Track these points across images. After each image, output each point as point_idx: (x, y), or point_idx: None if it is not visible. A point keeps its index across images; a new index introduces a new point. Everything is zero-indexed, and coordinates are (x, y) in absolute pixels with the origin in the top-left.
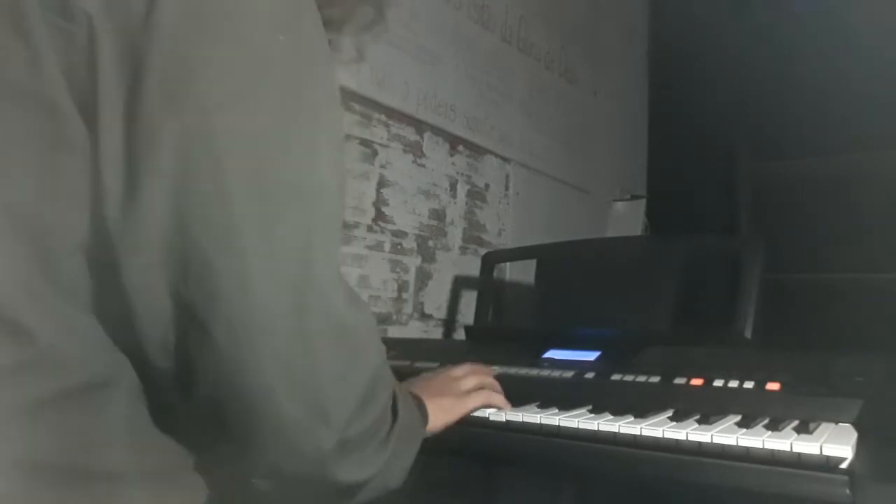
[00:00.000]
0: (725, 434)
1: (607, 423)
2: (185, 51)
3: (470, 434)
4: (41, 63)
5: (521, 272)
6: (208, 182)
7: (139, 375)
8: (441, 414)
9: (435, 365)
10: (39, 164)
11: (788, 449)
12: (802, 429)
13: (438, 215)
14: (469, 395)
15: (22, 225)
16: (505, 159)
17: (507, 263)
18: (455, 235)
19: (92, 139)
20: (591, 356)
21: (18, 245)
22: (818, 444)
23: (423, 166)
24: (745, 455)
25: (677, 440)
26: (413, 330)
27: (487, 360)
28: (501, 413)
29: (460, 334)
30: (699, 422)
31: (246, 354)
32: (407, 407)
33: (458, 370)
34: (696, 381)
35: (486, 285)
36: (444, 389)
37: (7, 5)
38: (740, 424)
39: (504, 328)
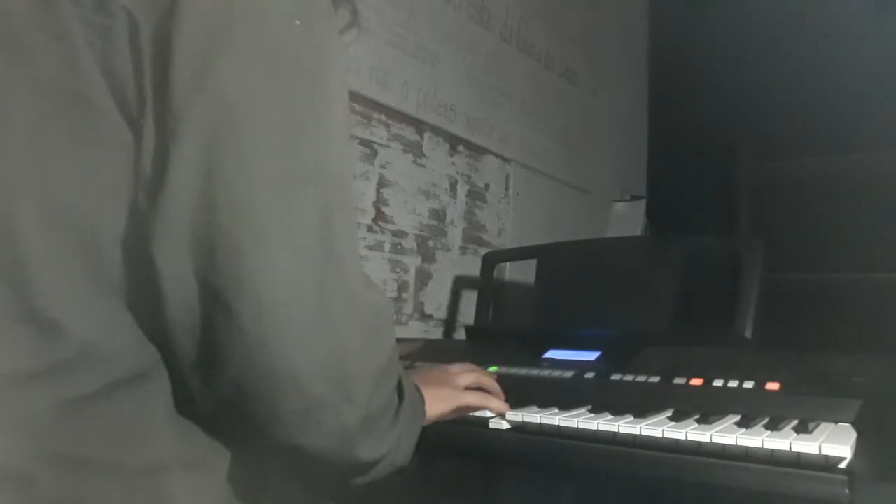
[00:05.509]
0: (725, 434)
1: (607, 423)
2: (210, 35)
3: (470, 434)
4: (78, 61)
5: (521, 272)
6: (232, 166)
7: (168, 365)
8: (438, 403)
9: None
10: (80, 160)
11: (788, 448)
12: (802, 428)
13: (438, 215)
14: (467, 391)
15: (65, 222)
16: (505, 159)
17: (507, 263)
18: (455, 235)
19: (136, 131)
20: (591, 356)
21: (61, 243)
22: (817, 444)
23: (423, 166)
24: (745, 455)
25: (677, 440)
26: (413, 330)
27: (487, 360)
28: (501, 422)
29: (460, 334)
30: (699, 421)
31: (271, 336)
32: (409, 386)
33: (456, 367)
34: (696, 381)
35: (486, 285)
36: (441, 381)
37: (40, 4)
38: (740, 424)
39: (504, 328)
